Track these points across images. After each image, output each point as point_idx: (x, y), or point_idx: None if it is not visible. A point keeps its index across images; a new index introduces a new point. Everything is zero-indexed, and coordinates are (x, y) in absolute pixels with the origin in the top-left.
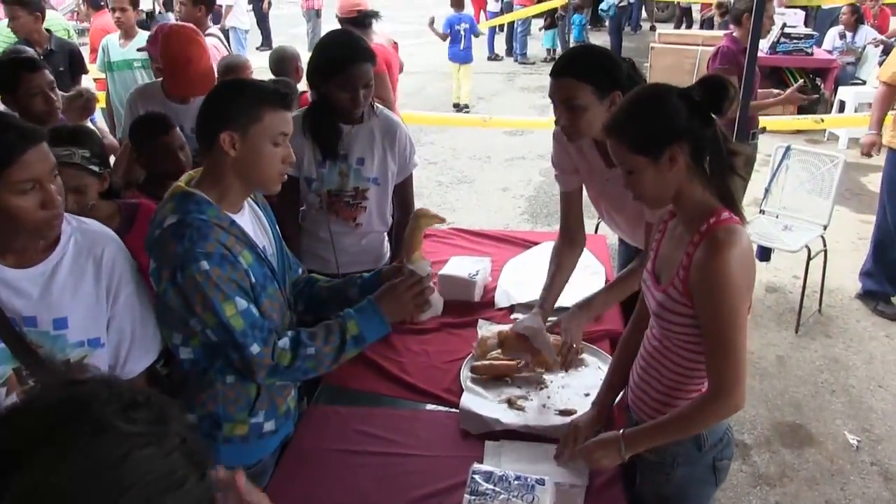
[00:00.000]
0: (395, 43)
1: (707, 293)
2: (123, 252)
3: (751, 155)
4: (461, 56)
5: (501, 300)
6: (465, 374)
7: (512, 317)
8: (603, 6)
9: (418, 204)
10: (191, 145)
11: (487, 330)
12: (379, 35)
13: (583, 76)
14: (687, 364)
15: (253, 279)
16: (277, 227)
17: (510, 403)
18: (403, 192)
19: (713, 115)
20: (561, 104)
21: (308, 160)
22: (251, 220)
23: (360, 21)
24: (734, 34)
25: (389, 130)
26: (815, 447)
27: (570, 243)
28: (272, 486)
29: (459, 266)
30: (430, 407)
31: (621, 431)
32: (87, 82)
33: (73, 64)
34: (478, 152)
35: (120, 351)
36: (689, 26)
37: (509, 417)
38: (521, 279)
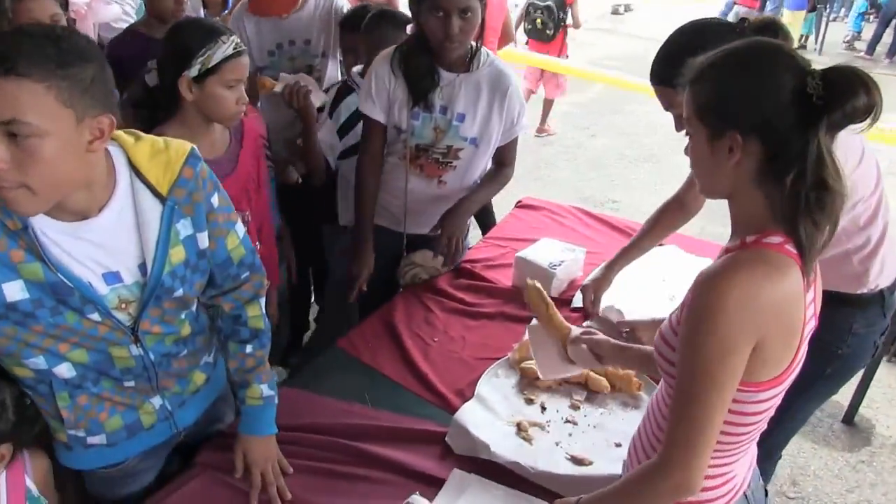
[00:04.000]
0: None
1: (688, 321)
2: None
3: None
4: (796, 4)
5: (580, 300)
6: (487, 378)
7: (585, 324)
8: None
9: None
10: (301, 59)
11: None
12: None
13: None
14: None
15: (25, 295)
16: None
17: (519, 429)
18: (503, 155)
19: (825, 121)
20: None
21: (399, 105)
22: (105, 235)
23: None
24: None
25: (500, 85)
26: None
27: (680, 204)
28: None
29: (545, 251)
30: (426, 409)
31: (578, 498)
32: None
33: None
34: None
35: None
36: None
37: (505, 447)
38: (613, 282)
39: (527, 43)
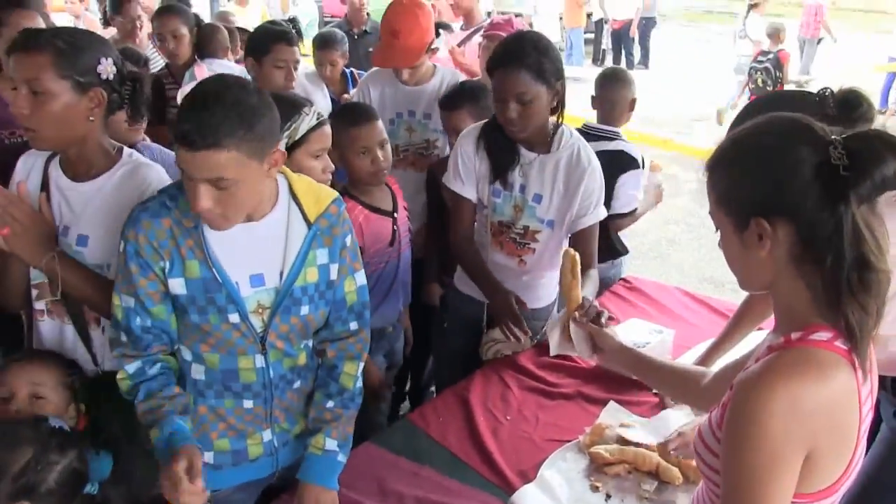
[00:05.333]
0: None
1: (729, 432)
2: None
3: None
4: None
5: None
6: (553, 460)
7: (665, 412)
8: None
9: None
10: (420, 132)
11: (611, 417)
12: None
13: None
14: None
15: (183, 291)
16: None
17: None
18: (580, 244)
19: (855, 193)
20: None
21: (482, 181)
22: (259, 239)
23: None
24: None
25: (577, 168)
26: None
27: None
28: None
29: (631, 331)
30: (488, 489)
31: None
32: None
33: None
34: None
35: None
36: None
37: None
38: None
39: (750, 98)
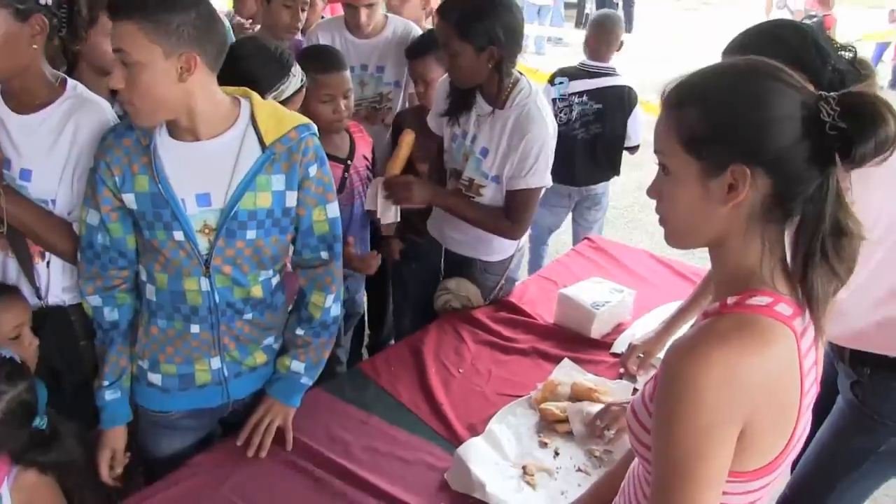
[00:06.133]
0: None
1: (659, 404)
2: (104, 127)
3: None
4: None
5: (621, 346)
6: (502, 415)
7: (621, 370)
8: None
9: None
10: (372, 85)
11: (565, 374)
12: None
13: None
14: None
15: (135, 206)
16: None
17: (525, 472)
18: (508, 206)
19: (841, 157)
20: None
21: (444, 125)
22: (208, 158)
23: None
24: None
25: (521, 128)
26: None
27: None
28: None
29: (589, 290)
30: (436, 440)
31: None
32: None
33: None
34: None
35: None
36: None
37: (502, 489)
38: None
39: None
